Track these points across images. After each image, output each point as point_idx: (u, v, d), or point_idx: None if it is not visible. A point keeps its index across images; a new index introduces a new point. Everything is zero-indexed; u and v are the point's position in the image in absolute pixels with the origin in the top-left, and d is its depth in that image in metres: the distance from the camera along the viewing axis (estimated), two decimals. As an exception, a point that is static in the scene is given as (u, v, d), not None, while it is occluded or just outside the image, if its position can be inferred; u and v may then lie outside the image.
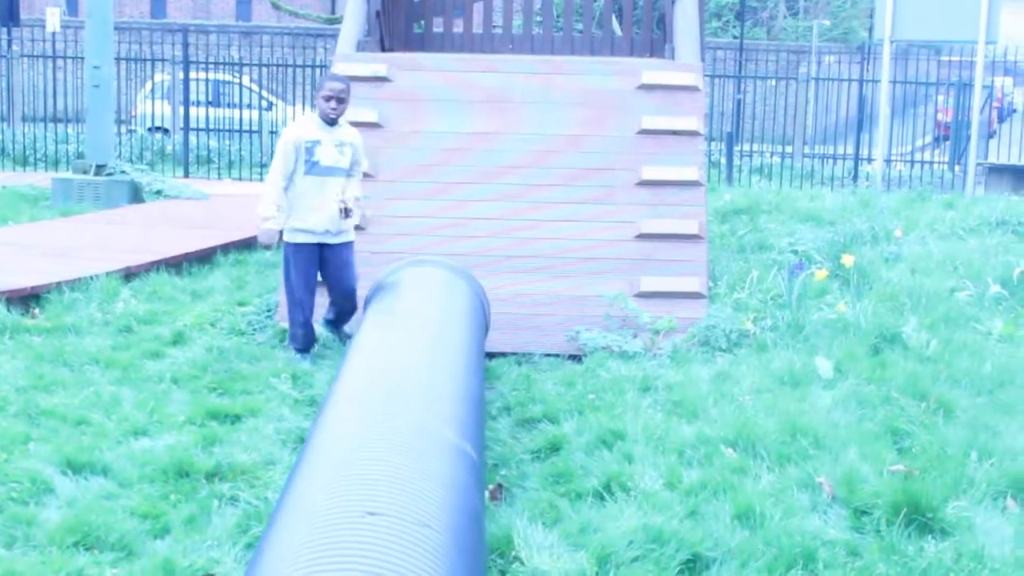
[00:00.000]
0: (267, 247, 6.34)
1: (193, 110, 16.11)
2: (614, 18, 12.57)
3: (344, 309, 6.13)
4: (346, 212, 5.75)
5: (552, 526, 3.90)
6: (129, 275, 7.51)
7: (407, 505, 2.72)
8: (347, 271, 5.99)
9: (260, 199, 5.99)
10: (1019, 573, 3.56)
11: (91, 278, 7.09)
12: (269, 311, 6.86)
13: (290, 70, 17.44)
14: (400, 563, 2.40)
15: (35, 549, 3.63)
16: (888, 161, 14.43)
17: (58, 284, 6.96)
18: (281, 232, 5.99)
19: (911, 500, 3.96)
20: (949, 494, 4.08)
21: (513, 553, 3.69)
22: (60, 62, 17.80)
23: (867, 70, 17.13)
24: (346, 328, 6.24)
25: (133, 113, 19.20)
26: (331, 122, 5.85)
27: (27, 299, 6.81)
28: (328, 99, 5.79)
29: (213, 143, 16.24)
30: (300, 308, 5.92)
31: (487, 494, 3.95)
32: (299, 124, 6.58)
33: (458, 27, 9.58)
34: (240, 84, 17.66)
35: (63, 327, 6.40)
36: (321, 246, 5.87)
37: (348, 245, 6.03)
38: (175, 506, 4.00)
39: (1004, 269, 7.52)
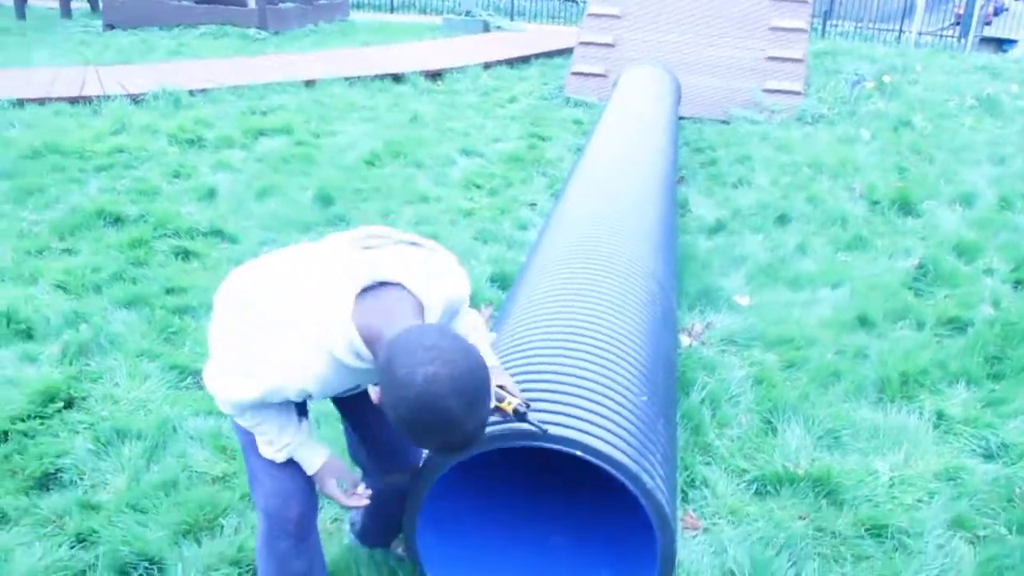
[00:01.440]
0: (350, 505, 2.10)
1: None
2: None
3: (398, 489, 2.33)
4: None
5: (709, 196, 6.36)
6: (487, 66, 11.35)
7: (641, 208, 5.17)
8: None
9: None
10: (954, 245, 5.34)
11: (467, 66, 10.90)
12: (560, 88, 9.95)
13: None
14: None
15: (448, 187, 6.39)
16: (920, 34, 17.92)
17: (450, 68, 10.74)
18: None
19: (903, 197, 6.13)
20: (924, 197, 6.24)
21: (688, 208, 6.11)
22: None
23: None
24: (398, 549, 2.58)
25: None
26: None
27: (434, 75, 10.48)
28: None
29: (526, 3, 21.07)
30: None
31: (677, 181, 6.51)
32: None
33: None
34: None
35: (453, 91, 9.87)
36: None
37: None
38: (515, 173, 6.72)
39: (978, 90, 9.94)
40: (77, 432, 3.15)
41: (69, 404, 3.32)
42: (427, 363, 1.55)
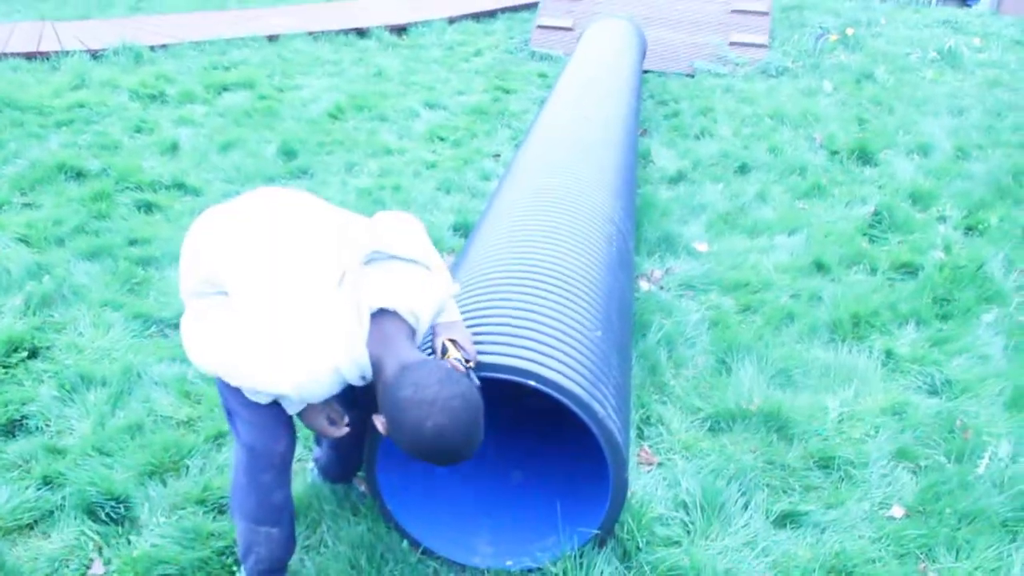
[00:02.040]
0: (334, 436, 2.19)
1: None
2: None
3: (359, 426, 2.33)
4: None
5: (671, 148, 6.37)
6: (452, 20, 11.08)
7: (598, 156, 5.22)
8: None
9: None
10: (909, 193, 5.49)
11: (432, 21, 10.67)
12: (525, 42, 9.81)
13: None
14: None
15: (412, 140, 6.40)
16: None
17: (415, 23, 10.49)
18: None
19: (862, 147, 6.20)
20: (883, 147, 6.33)
21: (651, 159, 6.14)
22: None
23: None
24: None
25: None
26: None
27: (399, 30, 10.23)
28: None
29: None
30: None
31: (640, 133, 6.52)
32: None
33: None
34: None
35: (418, 45, 9.67)
36: None
37: None
38: (479, 126, 6.71)
39: (939, 44, 9.95)
40: (42, 381, 3.18)
41: (33, 354, 3.34)
42: (433, 416, 1.80)
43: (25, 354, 3.32)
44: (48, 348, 3.38)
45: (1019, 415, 3.22)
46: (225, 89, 7.25)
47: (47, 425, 2.96)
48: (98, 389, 3.11)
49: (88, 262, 4.08)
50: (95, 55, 7.94)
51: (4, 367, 3.22)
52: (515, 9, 12.91)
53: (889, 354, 3.61)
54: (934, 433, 3.10)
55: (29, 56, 7.77)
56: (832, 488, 2.85)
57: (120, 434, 2.88)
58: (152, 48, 8.29)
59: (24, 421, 2.97)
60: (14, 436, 2.92)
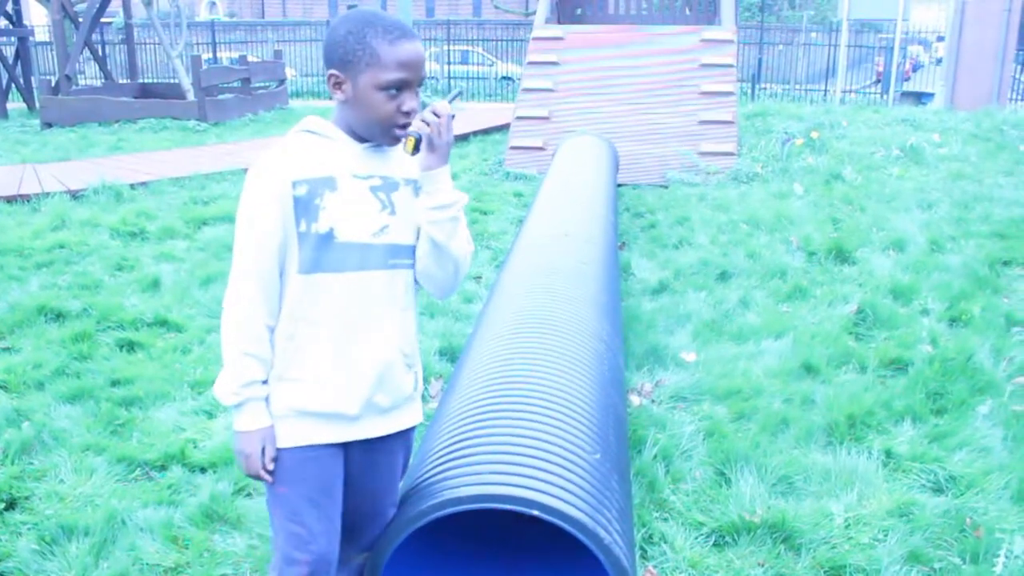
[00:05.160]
0: (253, 474, 1.95)
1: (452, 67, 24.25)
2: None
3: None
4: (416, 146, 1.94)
5: (651, 259, 6.44)
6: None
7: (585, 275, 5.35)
8: (390, 494, 2.17)
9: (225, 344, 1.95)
10: (890, 289, 5.54)
11: None
12: (499, 163, 10.03)
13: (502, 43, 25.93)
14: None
15: None
16: (844, 92, 20.15)
17: None
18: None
19: (838, 247, 6.31)
20: (859, 245, 6.44)
21: (631, 272, 6.16)
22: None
23: (834, 39, 22.35)
24: None
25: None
26: (389, 136, 1.96)
27: None
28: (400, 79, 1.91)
29: (463, 83, 22.07)
30: None
31: (619, 247, 6.65)
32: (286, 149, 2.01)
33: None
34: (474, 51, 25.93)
35: None
36: (347, 447, 2.03)
37: (407, 434, 2.17)
38: None
39: (901, 141, 10.35)
40: (20, 534, 3.05)
41: (11, 505, 3.22)
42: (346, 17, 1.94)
43: (2, 506, 3.20)
44: (27, 498, 3.27)
45: (1028, 510, 3.15)
46: (205, 223, 7.30)
47: (26, 582, 2.83)
48: (80, 539, 2.99)
49: (69, 405, 3.99)
50: (75, 195, 8.01)
51: (-19, 521, 3.10)
52: (487, 132, 13.30)
53: (889, 454, 3.55)
54: (944, 533, 3.02)
55: (10, 199, 7.84)
56: (846, 599, 2.74)
57: (104, 587, 2.75)
58: (132, 186, 8.39)
59: (2, 579, 2.84)
60: (-9, 595, 2.78)
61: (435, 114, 1.94)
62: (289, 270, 1.92)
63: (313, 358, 1.93)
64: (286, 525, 1.97)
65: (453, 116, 1.99)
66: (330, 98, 2.14)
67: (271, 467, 1.94)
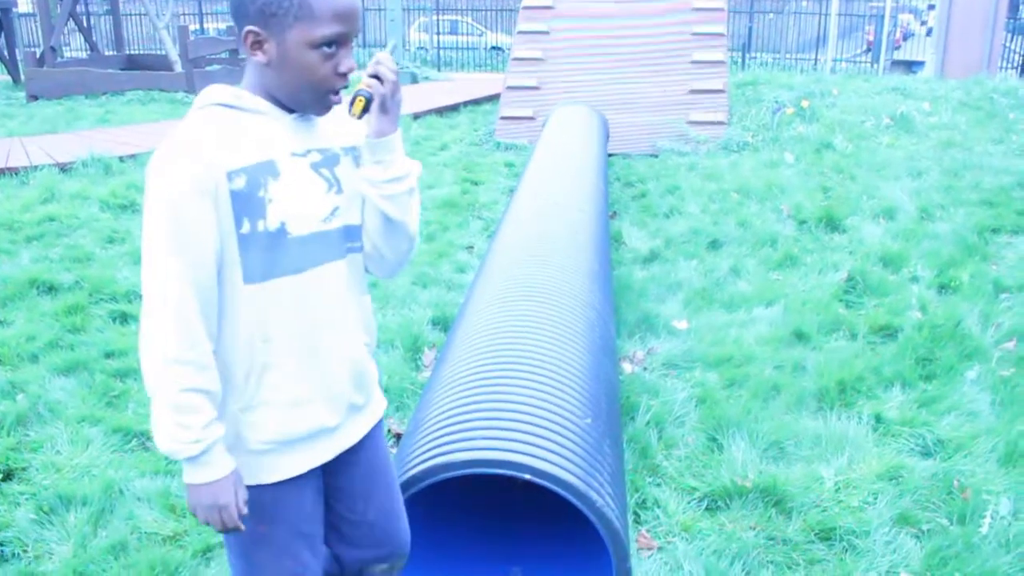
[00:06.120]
0: (232, 527, 1.60)
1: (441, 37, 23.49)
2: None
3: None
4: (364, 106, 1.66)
5: (641, 228, 6.44)
6: (416, 116, 11.36)
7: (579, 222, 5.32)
8: (387, 478, 1.94)
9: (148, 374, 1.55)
10: (880, 257, 5.55)
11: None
12: (490, 133, 9.98)
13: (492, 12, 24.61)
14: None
15: None
16: (835, 60, 19.65)
17: None
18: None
19: (829, 215, 6.32)
20: (849, 214, 6.45)
21: (623, 241, 6.19)
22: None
23: (825, 8, 21.82)
24: None
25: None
26: (323, 104, 1.63)
27: None
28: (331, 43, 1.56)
29: (452, 54, 22.76)
30: None
31: (610, 216, 6.63)
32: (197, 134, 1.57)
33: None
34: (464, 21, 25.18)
35: None
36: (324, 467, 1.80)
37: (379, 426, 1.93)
38: (450, 218, 6.75)
39: (892, 110, 10.31)
40: (18, 504, 3.07)
41: (8, 476, 3.24)
42: None
43: (0, 477, 3.21)
44: (24, 469, 3.28)
45: (1015, 471, 3.19)
46: (196, 195, 7.26)
47: (25, 551, 2.85)
48: (78, 509, 3.01)
49: (64, 377, 4.00)
50: (64, 168, 7.96)
51: (-21, 492, 3.12)
52: (477, 102, 13.23)
53: (878, 418, 3.59)
54: (933, 495, 3.06)
55: (-3, 174, 7.78)
56: (836, 560, 2.79)
57: (103, 555, 2.77)
58: (121, 159, 8.33)
59: (0, 548, 2.86)
60: (-9, 565, 2.80)
61: (384, 70, 1.65)
62: (229, 282, 1.57)
63: (281, 375, 1.64)
64: (275, 564, 1.74)
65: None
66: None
67: (245, 511, 1.62)
